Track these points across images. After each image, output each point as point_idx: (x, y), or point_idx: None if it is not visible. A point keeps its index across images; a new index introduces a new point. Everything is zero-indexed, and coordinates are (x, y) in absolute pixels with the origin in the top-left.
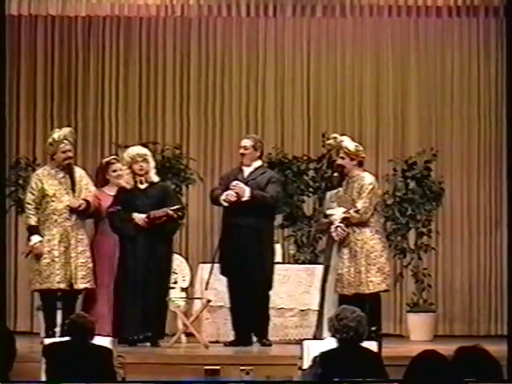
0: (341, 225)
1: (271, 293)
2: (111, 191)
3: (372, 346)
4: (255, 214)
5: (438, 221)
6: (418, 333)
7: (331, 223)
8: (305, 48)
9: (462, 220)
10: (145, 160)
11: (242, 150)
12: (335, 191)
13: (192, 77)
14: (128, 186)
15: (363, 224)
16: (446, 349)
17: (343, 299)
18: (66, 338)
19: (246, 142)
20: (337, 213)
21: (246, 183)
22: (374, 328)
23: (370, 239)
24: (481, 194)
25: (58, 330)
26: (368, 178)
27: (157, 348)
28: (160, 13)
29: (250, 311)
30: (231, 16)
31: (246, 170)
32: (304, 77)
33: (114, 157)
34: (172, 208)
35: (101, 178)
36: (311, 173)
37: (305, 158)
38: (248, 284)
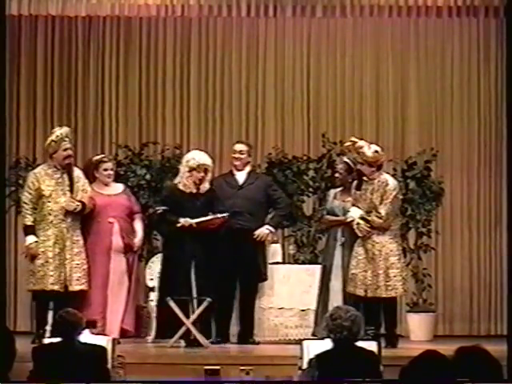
0: (361, 221)
1: (271, 292)
2: (102, 189)
3: (371, 345)
4: (250, 217)
5: (438, 221)
6: (418, 333)
7: (341, 221)
8: (305, 48)
9: (462, 220)
10: (206, 170)
11: (237, 155)
12: (339, 189)
13: (192, 77)
14: (186, 190)
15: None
16: (446, 349)
17: (356, 299)
18: (55, 340)
19: (242, 147)
20: (354, 215)
21: (240, 188)
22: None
23: (388, 242)
24: (481, 194)
25: (48, 329)
26: (391, 184)
27: (157, 348)
28: (160, 13)
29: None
30: (231, 16)
31: (239, 175)
32: (304, 77)
33: (104, 155)
34: (219, 216)
35: (90, 176)
36: (311, 173)
37: (305, 157)
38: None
